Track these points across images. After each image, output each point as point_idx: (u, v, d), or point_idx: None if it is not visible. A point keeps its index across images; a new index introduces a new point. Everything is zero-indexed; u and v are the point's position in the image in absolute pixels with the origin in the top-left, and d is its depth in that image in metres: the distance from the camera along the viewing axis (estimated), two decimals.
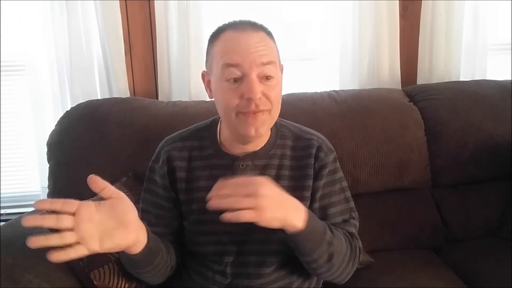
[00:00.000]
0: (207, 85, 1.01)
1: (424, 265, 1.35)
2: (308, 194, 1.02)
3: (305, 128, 1.09)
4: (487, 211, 1.53)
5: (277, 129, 1.05)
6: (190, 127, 1.10)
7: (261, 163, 1.01)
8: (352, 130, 1.48)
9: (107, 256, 1.09)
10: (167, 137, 1.09)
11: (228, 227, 0.98)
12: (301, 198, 1.00)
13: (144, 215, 1.06)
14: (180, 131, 1.09)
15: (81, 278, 1.09)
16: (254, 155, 1.01)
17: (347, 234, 1.01)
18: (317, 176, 1.02)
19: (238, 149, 1.01)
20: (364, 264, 1.34)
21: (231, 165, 1.00)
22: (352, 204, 1.07)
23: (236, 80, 0.91)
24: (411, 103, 1.60)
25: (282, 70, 1.01)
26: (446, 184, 1.57)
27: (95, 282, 1.07)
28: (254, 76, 0.90)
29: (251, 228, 0.98)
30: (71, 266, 1.09)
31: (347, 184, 1.08)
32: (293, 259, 0.98)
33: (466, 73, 1.83)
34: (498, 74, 1.81)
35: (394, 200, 1.52)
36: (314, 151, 1.02)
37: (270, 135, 1.03)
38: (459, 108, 1.55)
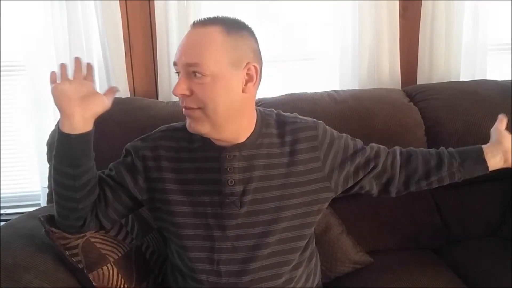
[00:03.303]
0: None
1: (424, 265, 1.35)
2: (303, 179, 1.02)
3: (282, 112, 1.09)
4: (487, 211, 1.52)
5: (262, 118, 1.03)
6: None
7: (249, 153, 1.00)
8: (352, 130, 1.46)
9: (106, 258, 1.09)
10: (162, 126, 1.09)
11: (221, 220, 0.98)
12: (296, 185, 1.01)
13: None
14: (176, 123, 1.09)
15: (81, 279, 1.08)
16: (241, 145, 0.99)
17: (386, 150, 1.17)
18: (327, 152, 1.05)
19: (223, 142, 0.99)
20: (364, 264, 1.34)
21: (218, 157, 0.99)
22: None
23: (178, 74, 0.95)
24: (411, 103, 1.60)
25: (256, 70, 0.94)
26: (446, 184, 1.56)
27: (94, 284, 1.07)
28: (183, 73, 0.92)
29: (246, 223, 0.99)
30: (71, 267, 1.09)
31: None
32: (287, 251, 1.01)
33: (466, 73, 1.83)
34: (498, 74, 1.81)
35: (394, 200, 1.51)
36: (305, 133, 1.04)
37: (256, 124, 1.02)
38: (459, 108, 1.55)
